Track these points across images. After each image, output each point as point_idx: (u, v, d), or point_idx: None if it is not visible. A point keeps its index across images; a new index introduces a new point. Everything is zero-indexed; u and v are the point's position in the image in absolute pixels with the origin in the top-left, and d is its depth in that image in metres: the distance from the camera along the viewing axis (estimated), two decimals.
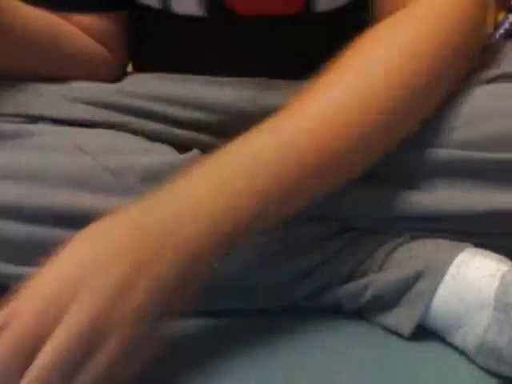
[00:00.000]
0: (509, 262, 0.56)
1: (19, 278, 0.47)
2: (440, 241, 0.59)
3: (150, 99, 0.64)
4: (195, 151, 0.62)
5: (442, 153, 0.57)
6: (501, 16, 0.73)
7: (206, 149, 0.60)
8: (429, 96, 0.56)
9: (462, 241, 0.59)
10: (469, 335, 0.55)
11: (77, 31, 0.67)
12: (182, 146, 0.63)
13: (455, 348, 0.56)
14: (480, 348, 0.54)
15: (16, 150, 0.59)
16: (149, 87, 0.65)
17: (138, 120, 0.63)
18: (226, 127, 0.61)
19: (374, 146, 0.54)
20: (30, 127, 0.60)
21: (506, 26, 0.73)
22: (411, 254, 0.59)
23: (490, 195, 0.57)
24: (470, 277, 0.56)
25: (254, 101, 0.63)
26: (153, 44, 0.73)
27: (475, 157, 0.56)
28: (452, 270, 0.56)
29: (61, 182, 0.56)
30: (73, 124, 0.61)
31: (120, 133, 0.62)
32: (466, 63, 0.58)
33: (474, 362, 0.55)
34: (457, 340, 0.56)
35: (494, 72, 0.59)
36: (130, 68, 0.77)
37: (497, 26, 0.73)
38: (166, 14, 0.67)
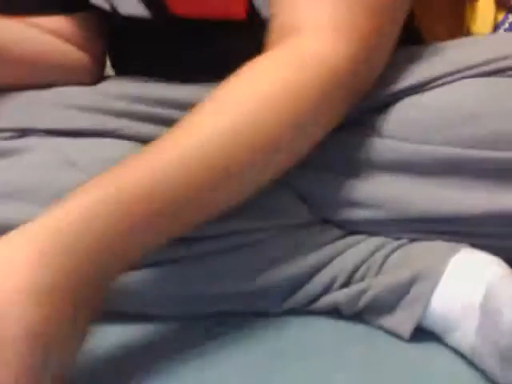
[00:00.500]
0: (503, 265, 0.56)
1: None
2: (436, 242, 0.59)
3: (141, 101, 0.64)
4: None
5: (439, 151, 0.56)
6: (501, 16, 0.73)
7: None
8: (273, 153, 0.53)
9: (460, 242, 0.59)
10: (463, 338, 0.55)
11: (49, 36, 0.67)
12: None
13: (454, 349, 0.56)
14: (473, 351, 0.54)
15: (6, 168, 0.59)
16: (135, 89, 0.65)
17: (131, 123, 0.63)
18: None
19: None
20: (20, 143, 0.60)
21: (506, 25, 0.73)
22: (408, 257, 0.59)
23: (490, 195, 0.56)
24: (464, 279, 0.56)
25: None
26: (114, 45, 0.74)
27: (475, 155, 0.55)
28: (448, 271, 0.57)
29: (53, 200, 0.54)
30: (64, 133, 0.61)
31: (112, 140, 0.62)
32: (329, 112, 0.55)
33: (472, 364, 0.55)
34: (453, 342, 0.56)
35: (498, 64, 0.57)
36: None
37: (497, 26, 0.73)
38: (115, 15, 0.67)
